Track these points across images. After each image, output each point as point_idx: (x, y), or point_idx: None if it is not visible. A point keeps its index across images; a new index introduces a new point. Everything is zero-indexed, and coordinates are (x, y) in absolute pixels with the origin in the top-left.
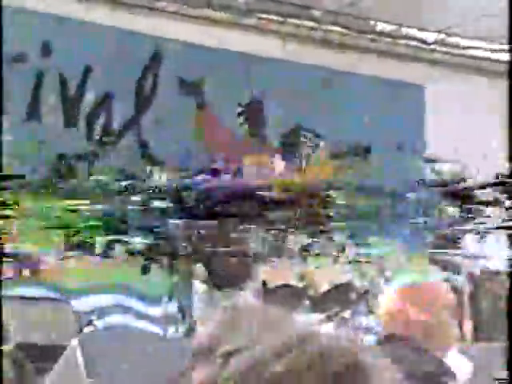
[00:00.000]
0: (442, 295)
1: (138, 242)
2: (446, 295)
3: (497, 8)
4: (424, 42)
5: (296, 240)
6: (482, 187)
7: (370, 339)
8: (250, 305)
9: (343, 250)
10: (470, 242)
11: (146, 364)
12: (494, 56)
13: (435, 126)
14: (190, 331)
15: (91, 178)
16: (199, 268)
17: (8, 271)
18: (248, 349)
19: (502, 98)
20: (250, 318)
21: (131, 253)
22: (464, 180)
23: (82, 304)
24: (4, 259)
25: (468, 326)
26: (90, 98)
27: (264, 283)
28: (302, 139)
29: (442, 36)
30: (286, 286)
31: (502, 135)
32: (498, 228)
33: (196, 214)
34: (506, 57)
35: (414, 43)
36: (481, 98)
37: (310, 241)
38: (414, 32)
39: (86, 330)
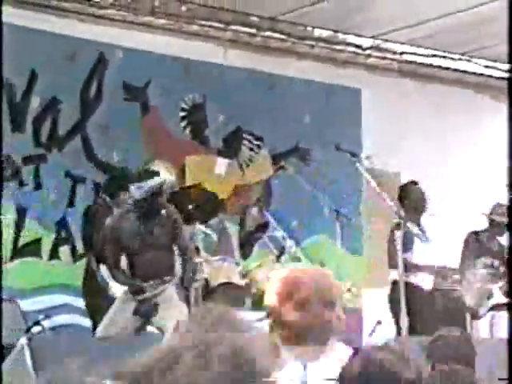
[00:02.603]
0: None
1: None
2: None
3: (433, 14)
4: (360, 47)
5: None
6: None
7: None
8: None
9: (283, 248)
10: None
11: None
12: (428, 61)
13: (371, 127)
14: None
15: None
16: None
17: None
18: None
19: (431, 102)
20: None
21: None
22: None
23: (29, 304)
24: None
25: (404, 322)
26: (35, 103)
27: (206, 281)
28: (242, 141)
29: (378, 42)
30: (228, 283)
31: (431, 135)
32: None
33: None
34: (437, 62)
35: (350, 49)
36: (413, 101)
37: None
38: (350, 38)
39: (34, 329)
